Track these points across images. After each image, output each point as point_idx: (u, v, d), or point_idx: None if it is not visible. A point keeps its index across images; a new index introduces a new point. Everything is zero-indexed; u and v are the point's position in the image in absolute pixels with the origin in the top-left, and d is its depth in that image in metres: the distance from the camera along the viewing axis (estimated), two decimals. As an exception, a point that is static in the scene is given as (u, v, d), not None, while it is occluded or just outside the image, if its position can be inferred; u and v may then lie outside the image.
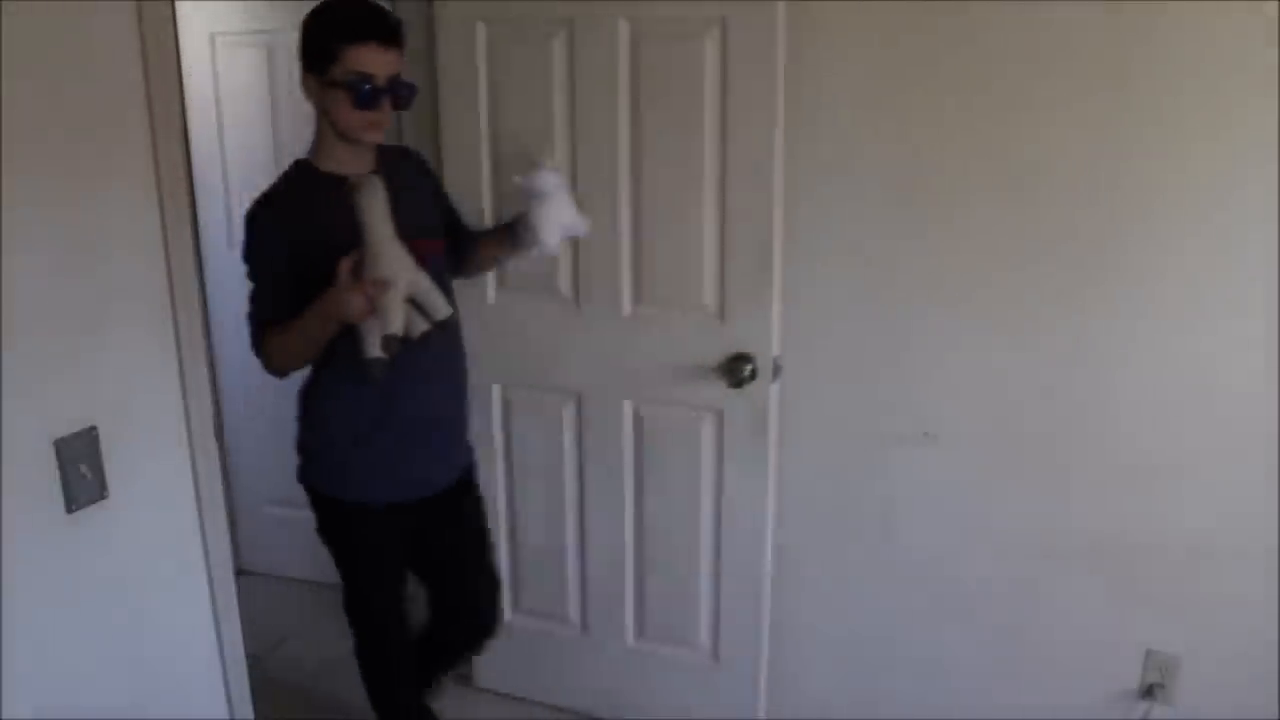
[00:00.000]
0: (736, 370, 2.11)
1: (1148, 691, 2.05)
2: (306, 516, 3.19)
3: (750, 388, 2.12)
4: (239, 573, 2.96)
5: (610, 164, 2.11)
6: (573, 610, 2.46)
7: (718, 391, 2.14)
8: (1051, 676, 2.14)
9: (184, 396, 1.79)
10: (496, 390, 2.40)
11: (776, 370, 2.13)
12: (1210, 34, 1.76)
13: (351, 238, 1.67)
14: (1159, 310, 1.91)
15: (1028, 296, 1.99)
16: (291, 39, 2.81)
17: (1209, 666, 2.00)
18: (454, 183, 2.28)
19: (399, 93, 1.77)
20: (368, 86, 1.72)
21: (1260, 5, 1.71)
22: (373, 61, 1.72)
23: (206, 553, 1.88)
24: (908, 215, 2.04)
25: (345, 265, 1.65)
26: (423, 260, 1.72)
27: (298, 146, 2.86)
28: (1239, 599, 1.96)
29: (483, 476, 2.47)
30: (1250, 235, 1.81)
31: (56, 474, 1.54)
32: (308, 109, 2.87)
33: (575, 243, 2.20)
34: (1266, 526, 1.90)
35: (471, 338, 2.39)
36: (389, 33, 1.74)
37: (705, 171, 2.04)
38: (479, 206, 2.26)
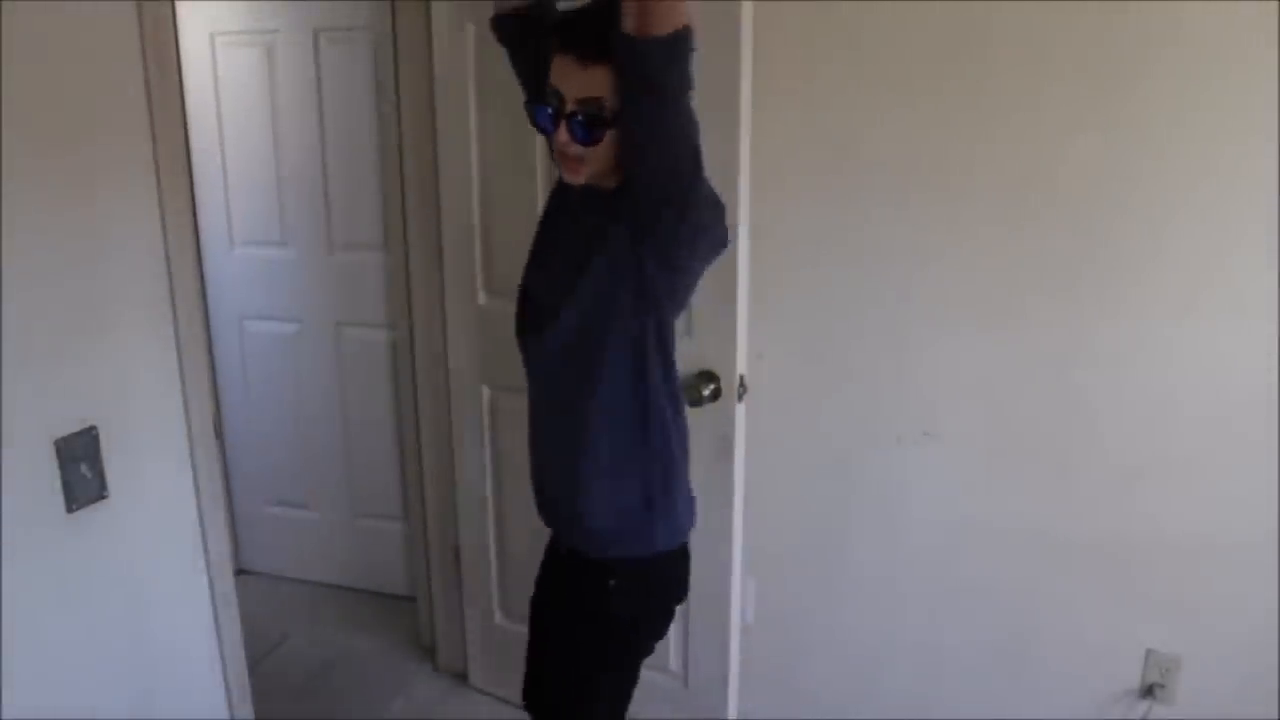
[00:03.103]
0: (695, 389, 1.94)
1: (1148, 691, 2.05)
2: (306, 516, 3.23)
3: (713, 408, 1.97)
4: (239, 573, 2.97)
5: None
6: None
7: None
8: (1051, 676, 2.14)
9: (184, 396, 1.79)
10: (485, 392, 2.39)
11: (742, 391, 1.98)
12: (1211, 31, 1.76)
13: None
14: (1159, 309, 1.90)
15: (1027, 296, 1.99)
16: (290, 39, 2.85)
17: (1209, 666, 2.00)
18: (446, 178, 2.28)
19: None
20: None
21: (1261, 5, 1.71)
22: None
23: (206, 553, 1.88)
24: (903, 213, 2.04)
25: None
26: None
27: (298, 146, 2.90)
28: (1239, 599, 1.96)
29: (471, 479, 2.49)
30: (1251, 234, 1.81)
31: (56, 474, 1.54)
32: (308, 108, 2.91)
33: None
34: (1266, 527, 1.90)
35: (462, 339, 2.41)
36: None
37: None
38: (469, 204, 2.26)
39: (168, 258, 1.73)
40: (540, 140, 2.11)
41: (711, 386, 1.96)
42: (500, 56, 2.14)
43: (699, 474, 2.03)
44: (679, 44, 1.24)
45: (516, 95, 2.12)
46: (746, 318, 1.96)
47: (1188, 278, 1.87)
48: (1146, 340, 1.92)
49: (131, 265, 1.68)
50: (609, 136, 1.32)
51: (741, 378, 1.97)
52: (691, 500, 1.60)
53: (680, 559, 1.59)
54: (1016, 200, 1.95)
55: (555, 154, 1.39)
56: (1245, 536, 1.92)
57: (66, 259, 1.56)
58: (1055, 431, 2.02)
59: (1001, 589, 2.14)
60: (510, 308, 2.17)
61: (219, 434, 2.36)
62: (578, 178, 1.38)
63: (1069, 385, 1.99)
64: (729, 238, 1.49)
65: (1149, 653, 2.04)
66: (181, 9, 2.77)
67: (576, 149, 1.34)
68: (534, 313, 1.52)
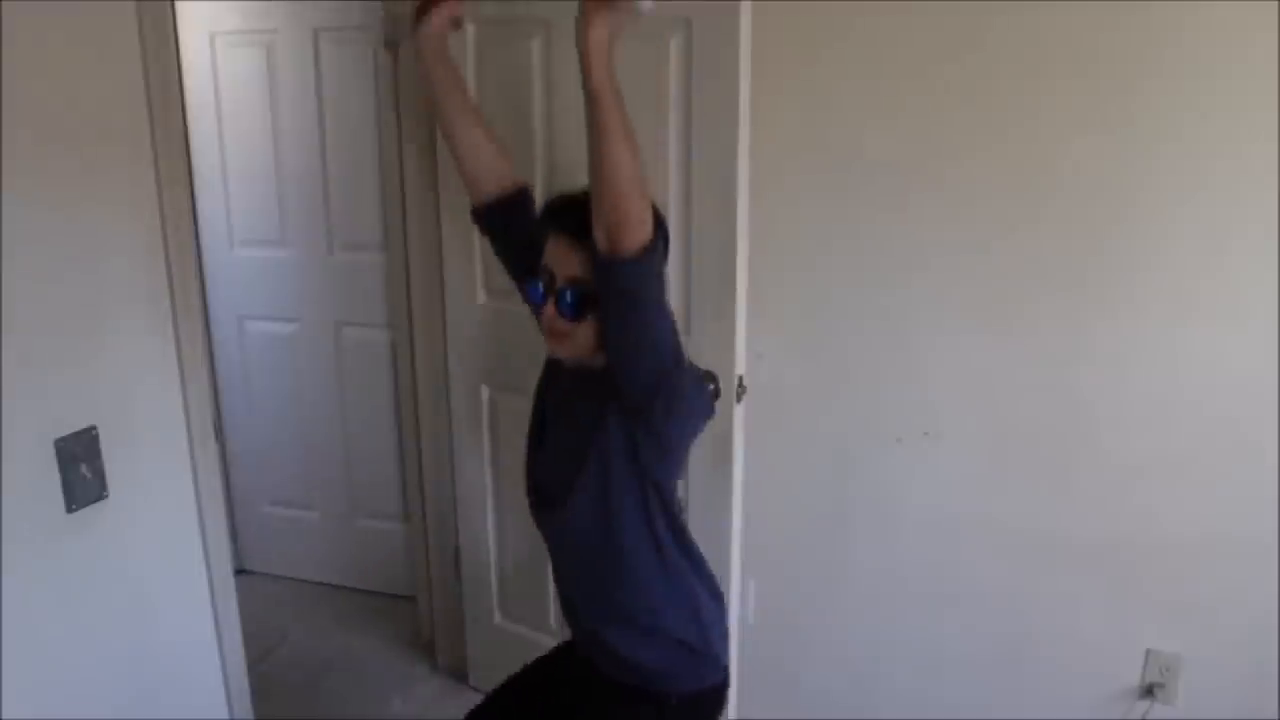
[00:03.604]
0: None
1: (1148, 691, 2.05)
2: (306, 516, 3.23)
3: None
4: (239, 573, 2.97)
5: (583, 164, 2.05)
6: (553, 618, 2.45)
7: None
8: (1051, 676, 2.14)
9: (184, 396, 1.79)
10: (485, 392, 2.39)
11: (741, 391, 1.95)
12: (1211, 31, 1.76)
13: None
14: (1159, 309, 1.90)
15: (1027, 296, 1.99)
16: (290, 39, 2.85)
17: (1209, 666, 2.00)
18: (446, 178, 2.28)
19: None
20: None
21: (1261, 5, 1.71)
22: None
23: (206, 552, 1.88)
24: (903, 213, 2.04)
25: None
26: None
27: (298, 146, 2.90)
28: (1239, 599, 1.96)
29: (471, 479, 2.49)
30: (1251, 234, 1.81)
31: (56, 474, 1.54)
32: (307, 109, 2.91)
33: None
34: (1266, 526, 1.90)
35: (462, 339, 2.41)
36: None
37: (670, 174, 1.96)
38: (469, 204, 2.24)
39: (168, 258, 1.73)
40: (539, 140, 2.12)
41: (710, 387, 1.95)
42: (500, 56, 2.16)
43: (699, 475, 2.05)
44: (647, 258, 1.31)
45: (515, 95, 2.14)
46: (745, 318, 1.95)
47: (1188, 278, 1.87)
48: (1146, 340, 1.92)
49: (131, 265, 1.68)
50: (592, 316, 1.40)
51: (740, 378, 1.96)
52: (726, 631, 1.66)
53: (724, 690, 1.65)
54: (1016, 200, 1.95)
55: (543, 328, 1.47)
56: (1245, 536, 1.92)
57: (67, 259, 1.56)
58: (1055, 431, 2.02)
59: (1001, 589, 2.14)
60: (510, 308, 2.17)
61: (219, 434, 2.36)
62: (563, 351, 1.48)
63: (1069, 385, 1.99)
64: (716, 407, 1.56)
65: (1149, 653, 2.04)
66: (181, 9, 2.77)
67: (563, 324, 1.43)
68: (543, 495, 1.58)
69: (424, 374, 2.55)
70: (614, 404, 1.42)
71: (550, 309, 1.43)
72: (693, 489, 2.06)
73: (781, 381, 2.19)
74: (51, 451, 1.53)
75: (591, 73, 1.25)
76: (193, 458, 1.82)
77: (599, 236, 1.30)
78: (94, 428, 1.59)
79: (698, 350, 1.96)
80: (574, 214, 1.39)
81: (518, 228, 1.61)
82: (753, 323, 1.99)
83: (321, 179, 2.87)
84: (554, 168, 2.11)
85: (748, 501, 2.10)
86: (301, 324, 3.02)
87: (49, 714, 1.59)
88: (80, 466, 1.57)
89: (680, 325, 1.97)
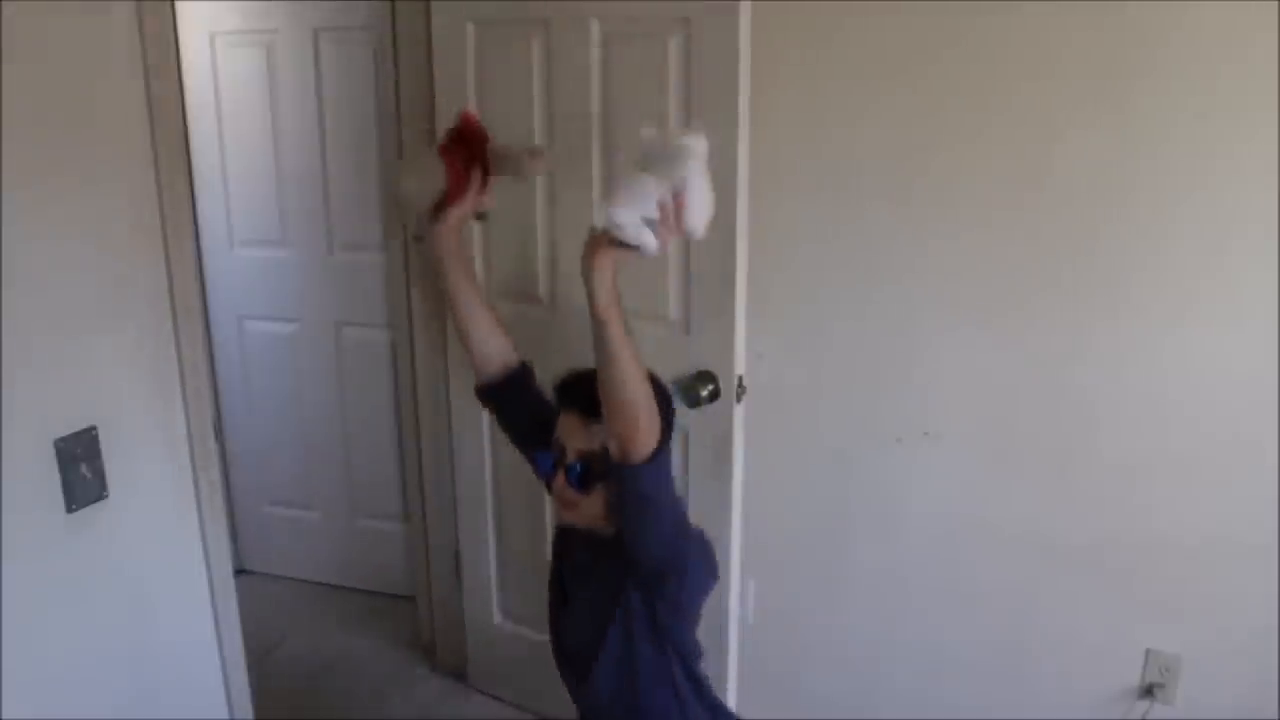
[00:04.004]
0: (693, 390, 1.93)
1: (1148, 691, 2.05)
2: (306, 516, 3.23)
3: (711, 410, 1.95)
4: (239, 573, 2.97)
5: (584, 161, 2.05)
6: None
7: (682, 410, 1.90)
8: (1051, 676, 2.14)
9: (184, 396, 1.79)
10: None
11: (740, 391, 1.96)
12: (1211, 31, 1.76)
13: None
14: (1159, 309, 1.90)
15: (1026, 296, 1.98)
16: (290, 39, 2.85)
17: (1209, 666, 2.00)
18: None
19: None
20: None
21: (1261, 5, 1.71)
22: None
23: (206, 553, 1.88)
24: (902, 213, 2.03)
25: None
26: None
27: (298, 146, 2.91)
28: (1239, 599, 1.95)
29: (471, 479, 2.49)
30: (1251, 234, 1.81)
31: (56, 474, 1.54)
32: (307, 109, 2.91)
33: (551, 243, 2.17)
34: (1266, 526, 1.90)
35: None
36: None
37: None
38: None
39: (167, 258, 1.73)
40: (538, 141, 2.12)
41: (710, 387, 1.95)
42: (499, 56, 2.16)
43: (699, 474, 2.05)
44: (655, 460, 1.41)
45: (515, 95, 2.14)
46: (745, 318, 1.96)
47: (1188, 277, 1.87)
48: (1146, 340, 1.92)
49: (131, 265, 1.68)
50: (601, 487, 1.51)
51: (740, 378, 1.96)
52: None
53: None
54: (1016, 200, 1.95)
55: (554, 498, 1.59)
56: (1245, 536, 1.92)
57: (66, 259, 1.56)
58: (1055, 432, 2.02)
59: (1001, 589, 2.13)
60: (510, 308, 2.18)
61: (219, 434, 2.36)
62: (573, 518, 1.59)
63: (1069, 385, 1.99)
64: (720, 570, 1.68)
65: (1149, 653, 2.04)
66: (181, 9, 2.77)
67: (572, 495, 1.54)
68: (569, 658, 1.71)
69: (424, 374, 2.55)
70: (631, 578, 1.52)
71: (560, 480, 1.53)
72: (693, 488, 2.06)
73: (781, 381, 2.19)
74: (51, 451, 1.53)
75: (597, 303, 1.36)
76: (193, 458, 1.82)
77: (611, 444, 1.41)
78: (94, 428, 1.59)
79: (698, 350, 1.97)
80: (583, 390, 1.48)
81: (521, 404, 1.73)
82: (753, 323, 1.99)
83: (321, 179, 2.87)
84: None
85: (748, 501, 2.10)
86: (301, 324, 3.02)
87: (49, 714, 1.59)
88: (80, 466, 1.57)
89: (680, 325, 1.99)
